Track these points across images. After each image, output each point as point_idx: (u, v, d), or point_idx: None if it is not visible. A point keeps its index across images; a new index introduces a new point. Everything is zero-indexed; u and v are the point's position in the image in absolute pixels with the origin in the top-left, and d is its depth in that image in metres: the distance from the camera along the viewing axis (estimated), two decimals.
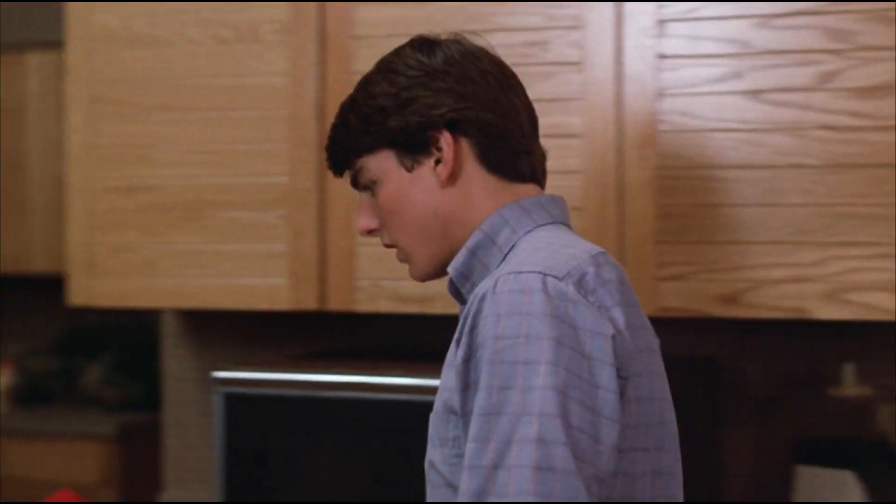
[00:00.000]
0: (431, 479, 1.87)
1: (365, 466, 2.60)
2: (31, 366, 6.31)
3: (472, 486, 1.70)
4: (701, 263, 2.59)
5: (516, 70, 2.68)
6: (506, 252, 1.90)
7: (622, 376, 1.76)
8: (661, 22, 2.61)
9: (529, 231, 1.91)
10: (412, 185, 1.92)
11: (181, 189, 2.90)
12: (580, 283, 1.77)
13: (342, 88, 2.77)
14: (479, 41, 2.03)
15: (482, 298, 1.76)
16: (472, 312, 1.77)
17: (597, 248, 1.87)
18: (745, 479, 2.91)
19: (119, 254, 2.96)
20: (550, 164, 2.66)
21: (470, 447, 1.71)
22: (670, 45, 2.61)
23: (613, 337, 1.75)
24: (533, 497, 1.66)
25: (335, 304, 2.80)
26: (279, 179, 2.82)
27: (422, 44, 1.95)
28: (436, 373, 2.56)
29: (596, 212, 2.64)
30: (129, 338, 6.02)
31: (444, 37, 1.97)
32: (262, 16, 2.85)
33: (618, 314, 1.78)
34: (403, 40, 2.73)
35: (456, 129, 1.90)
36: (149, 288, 2.94)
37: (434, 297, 2.73)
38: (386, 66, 1.94)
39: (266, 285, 2.84)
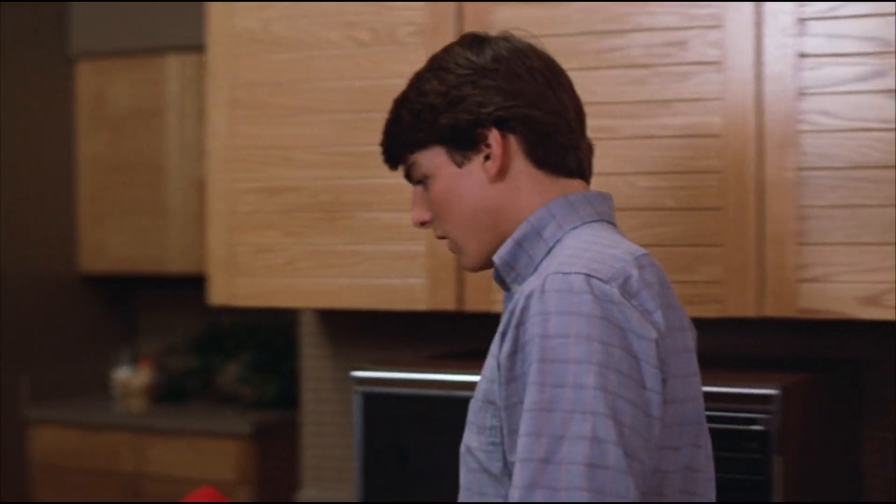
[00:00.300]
0: (467, 462, 1.92)
1: None
2: (170, 364, 6.41)
3: (523, 478, 1.74)
4: (842, 265, 2.56)
5: (655, 70, 2.67)
6: (551, 245, 1.95)
7: (662, 378, 1.82)
8: (802, 20, 2.58)
9: (575, 227, 1.96)
10: (462, 180, 1.98)
11: (320, 190, 2.93)
12: (625, 286, 1.82)
13: None
14: (528, 38, 2.05)
15: (529, 295, 1.81)
16: (518, 308, 1.82)
17: (640, 250, 1.91)
18: (887, 481, 2.87)
19: (259, 254, 2.99)
20: (690, 164, 2.65)
21: (522, 441, 1.76)
22: (810, 44, 2.58)
23: (656, 340, 1.81)
24: (586, 493, 1.71)
25: (472, 304, 2.81)
26: None
27: (472, 41, 2.00)
28: None
29: (735, 212, 2.62)
30: (266, 337, 6.08)
31: (493, 34, 2.02)
32: (400, 18, 2.87)
33: (658, 317, 1.84)
34: (544, 41, 2.73)
35: (504, 126, 1.95)
36: (288, 288, 2.97)
37: None
38: (437, 64, 2.00)
39: (404, 285, 2.86)
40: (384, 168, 2.87)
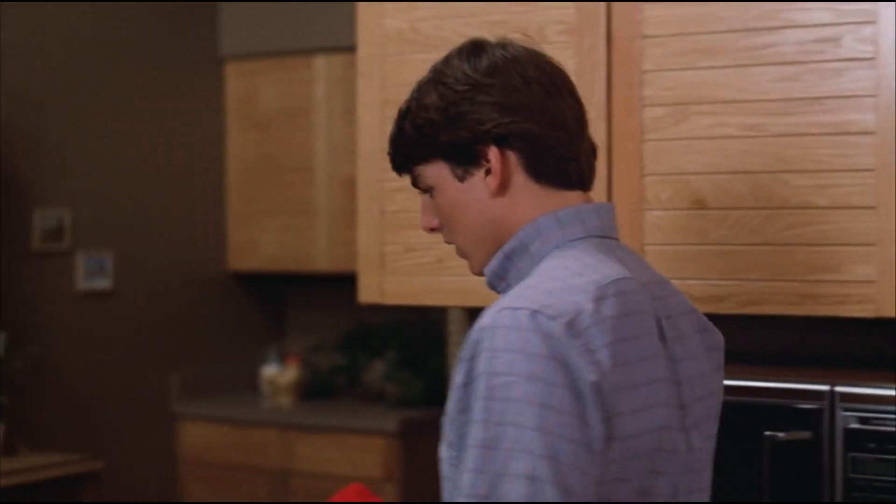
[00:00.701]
0: (442, 469, 1.97)
1: None
2: (317, 362, 6.48)
3: None
4: None
5: (807, 67, 2.64)
6: (537, 261, 2.00)
7: (605, 417, 1.84)
8: None
9: (559, 247, 2.00)
10: (465, 194, 2.03)
11: None
12: (572, 323, 1.84)
13: (629, 89, 2.77)
14: (528, 44, 2.08)
15: (482, 329, 1.86)
16: (472, 341, 1.87)
17: (611, 276, 1.93)
18: None
19: (408, 253, 3.01)
20: (842, 163, 2.62)
21: (466, 476, 1.82)
22: None
23: (594, 382, 1.83)
24: None
25: None
26: None
27: (469, 52, 2.05)
28: (734, 374, 2.54)
29: (890, 211, 2.58)
30: (412, 335, 6.12)
31: (493, 41, 2.06)
32: (548, 17, 2.87)
33: (604, 355, 1.85)
34: (692, 40, 2.72)
35: (503, 142, 1.99)
36: (436, 286, 2.99)
37: (725, 297, 2.71)
38: (437, 76, 2.05)
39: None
40: None
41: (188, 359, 6.26)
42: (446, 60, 2.06)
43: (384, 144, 3.03)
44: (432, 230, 2.10)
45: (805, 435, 2.50)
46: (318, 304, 6.51)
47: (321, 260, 6.12)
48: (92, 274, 5.87)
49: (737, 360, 2.80)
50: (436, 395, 5.91)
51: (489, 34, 2.91)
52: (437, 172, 2.05)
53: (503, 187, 2.02)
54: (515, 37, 2.09)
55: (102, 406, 5.89)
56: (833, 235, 2.63)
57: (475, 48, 2.06)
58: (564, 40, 2.85)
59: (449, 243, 2.10)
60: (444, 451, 1.96)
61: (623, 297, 1.92)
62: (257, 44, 6.32)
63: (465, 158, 2.02)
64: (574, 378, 1.83)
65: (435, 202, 2.07)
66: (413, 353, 6.01)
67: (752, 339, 3.03)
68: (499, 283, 2.07)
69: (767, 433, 2.49)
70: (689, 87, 2.73)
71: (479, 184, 2.03)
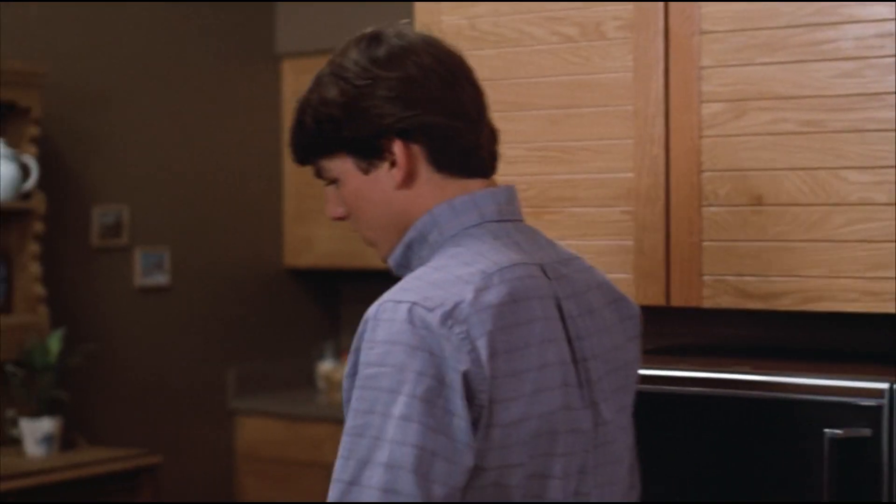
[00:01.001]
0: None
1: (710, 462, 2.59)
2: None
3: (332, 496, 1.90)
4: None
5: (867, 62, 2.62)
6: (436, 250, 2.06)
7: (479, 404, 1.90)
8: None
9: (454, 235, 2.06)
10: (370, 186, 2.08)
11: (527, 185, 2.94)
12: (450, 314, 1.91)
13: (687, 84, 2.77)
14: (423, 32, 2.14)
15: (366, 321, 1.96)
16: (358, 333, 1.96)
17: (501, 264, 1.99)
18: None
19: None
20: None
21: (337, 462, 1.91)
22: None
23: (466, 371, 1.89)
24: None
25: (679, 299, 2.80)
26: (624, 175, 2.84)
27: (367, 44, 2.10)
28: (782, 370, 2.54)
29: None
30: None
31: (389, 31, 2.12)
32: (606, 13, 2.87)
33: (482, 344, 1.90)
34: (749, 35, 2.71)
35: (406, 136, 2.04)
36: None
37: (780, 294, 2.70)
38: (336, 70, 2.08)
39: (612, 280, 2.85)
40: (590, 163, 2.87)
41: (245, 355, 6.30)
42: (344, 52, 2.11)
43: None
44: (338, 219, 2.15)
45: (865, 432, 2.49)
46: (373, 300, 6.52)
47: (376, 256, 6.13)
48: (149, 270, 5.91)
49: (795, 357, 2.79)
50: None
51: (547, 31, 2.92)
52: (341, 166, 2.09)
53: (409, 179, 2.06)
54: (408, 28, 2.16)
55: (160, 401, 5.93)
56: (892, 232, 2.62)
57: (372, 39, 2.11)
58: (622, 36, 2.85)
59: (356, 231, 2.15)
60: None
61: (510, 284, 1.96)
62: (314, 41, 6.34)
63: (370, 152, 2.07)
64: (442, 371, 1.89)
65: (340, 193, 2.12)
66: None
67: (810, 336, 3.02)
68: (404, 272, 2.10)
69: (826, 431, 2.48)
70: (748, 82, 2.72)
71: (384, 176, 2.07)
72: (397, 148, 2.05)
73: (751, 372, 2.55)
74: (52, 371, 5.10)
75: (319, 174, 2.13)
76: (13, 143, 5.24)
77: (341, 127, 2.07)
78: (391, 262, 2.14)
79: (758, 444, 2.54)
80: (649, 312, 3.22)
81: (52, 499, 4.87)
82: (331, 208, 2.15)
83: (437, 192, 2.08)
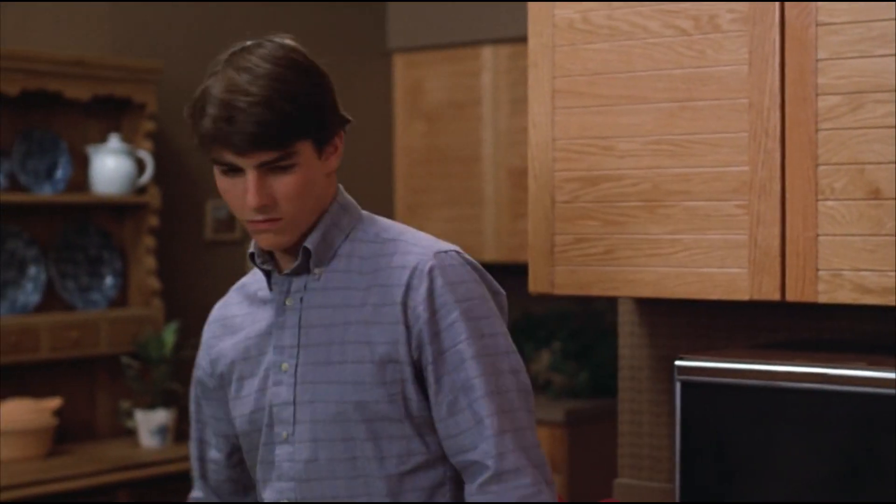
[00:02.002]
0: (358, 415, 2.33)
1: (824, 460, 2.57)
2: None
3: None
4: None
5: None
6: (347, 232, 2.42)
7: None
8: None
9: (360, 217, 2.46)
10: (319, 171, 2.36)
11: (640, 179, 2.94)
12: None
13: (803, 77, 2.74)
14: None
15: (429, 271, 2.32)
16: (415, 284, 2.31)
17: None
18: None
19: (578, 243, 3.02)
20: None
21: (478, 381, 2.29)
22: None
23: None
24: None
25: (794, 294, 2.77)
26: (739, 169, 2.81)
27: (291, 48, 2.37)
28: None
29: None
30: (578, 326, 6.11)
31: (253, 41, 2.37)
32: (721, 5, 2.85)
33: None
34: (867, 27, 2.67)
35: (343, 129, 2.42)
36: (607, 277, 2.99)
37: None
38: (295, 64, 2.33)
39: (725, 275, 2.84)
40: (704, 157, 2.85)
41: None
42: (294, 51, 2.36)
43: (555, 134, 3.05)
44: (259, 207, 2.29)
45: None
46: None
47: (488, 250, 6.14)
48: None
49: None
50: (602, 385, 5.90)
51: (661, 24, 2.90)
52: (306, 150, 2.32)
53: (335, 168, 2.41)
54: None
55: None
56: None
57: (288, 44, 2.38)
58: (737, 29, 2.82)
59: (269, 220, 2.31)
60: (368, 394, 2.33)
61: None
62: (424, 36, 6.36)
63: (326, 140, 2.36)
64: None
65: (287, 177, 2.30)
66: (579, 344, 6.01)
67: None
68: (326, 252, 2.39)
69: None
70: (865, 75, 2.69)
71: (325, 164, 2.38)
72: (339, 139, 2.41)
73: (867, 368, 2.52)
74: (166, 363, 5.17)
75: (280, 158, 2.29)
76: (129, 139, 5.32)
77: (320, 115, 2.34)
78: (310, 244, 2.37)
79: (874, 441, 2.51)
80: (764, 307, 3.20)
81: (166, 490, 4.94)
82: (260, 197, 2.29)
83: (334, 181, 2.45)
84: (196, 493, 2.65)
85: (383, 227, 2.44)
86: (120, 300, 5.41)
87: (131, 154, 5.23)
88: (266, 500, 2.42)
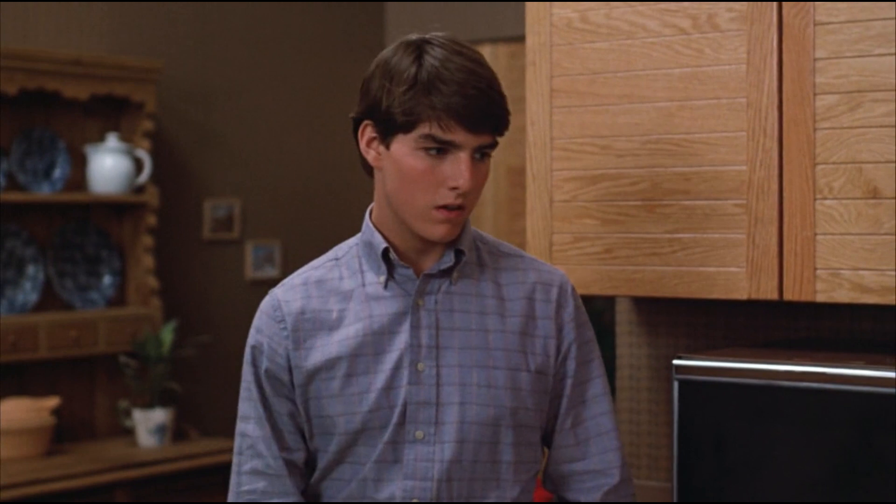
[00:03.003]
0: (513, 420, 2.45)
1: (822, 459, 2.57)
2: None
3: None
4: None
5: None
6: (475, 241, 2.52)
7: None
8: None
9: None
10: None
11: (639, 178, 2.94)
12: None
13: (801, 76, 2.74)
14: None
15: (572, 291, 2.55)
16: (563, 302, 2.51)
17: None
18: None
19: (577, 242, 3.02)
20: None
21: (602, 398, 2.55)
22: None
23: None
24: None
25: (792, 294, 2.77)
26: (738, 168, 2.82)
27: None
28: None
29: None
30: None
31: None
32: (719, 5, 2.85)
33: None
34: (865, 26, 2.68)
35: None
36: (606, 275, 2.99)
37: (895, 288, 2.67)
38: (482, 58, 2.40)
39: (724, 274, 2.84)
40: (703, 156, 2.86)
41: None
42: (470, 47, 2.41)
43: (553, 133, 3.05)
44: (469, 190, 2.33)
45: None
46: None
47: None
48: (260, 262, 5.97)
49: None
50: None
51: (660, 23, 2.91)
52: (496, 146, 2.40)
53: None
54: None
55: None
56: None
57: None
58: (736, 28, 2.83)
59: (457, 207, 2.35)
60: (524, 401, 2.44)
61: None
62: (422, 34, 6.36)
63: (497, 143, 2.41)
64: None
65: (480, 168, 2.36)
66: None
67: None
68: (469, 258, 2.46)
69: None
70: (863, 74, 2.69)
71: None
72: None
73: (865, 367, 2.52)
74: (164, 362, 5.16)
75: (488, 144, 2.37)
76: (127, 138, 5.32)
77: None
78: (465, 247, 2.42)
79: (872, 440, 2.51)
80: (763, 307, 3.20)
81: (164, 489, 4.94)
82: (471, 179, 2.33)
83: None
84: (275, 497, 2.48)
85: (494, 241, 2.54)
86: (118, 299, 5.41)
87: (130, 153, 5.23)
88: (382, 500, 2.39)
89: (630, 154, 2.95)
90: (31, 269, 5.13)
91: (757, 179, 2.79)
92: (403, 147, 2.33)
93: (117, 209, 5.41)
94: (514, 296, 2.46)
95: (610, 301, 5.73)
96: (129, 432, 5.28)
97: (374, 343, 2.40)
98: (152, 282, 5.35)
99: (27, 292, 5.11)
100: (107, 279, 5.36)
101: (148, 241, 5.35)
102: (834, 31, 2.72)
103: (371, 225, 2.46)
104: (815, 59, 2.74)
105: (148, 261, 5.35)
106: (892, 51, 2.66)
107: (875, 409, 2.50)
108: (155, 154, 5.42)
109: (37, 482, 4.59)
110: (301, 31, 6.13)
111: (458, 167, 2.31)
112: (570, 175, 3.03)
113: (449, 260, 2.40)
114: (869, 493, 2.51)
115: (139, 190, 5.31)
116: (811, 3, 2.73)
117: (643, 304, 3.38)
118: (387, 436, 2.38)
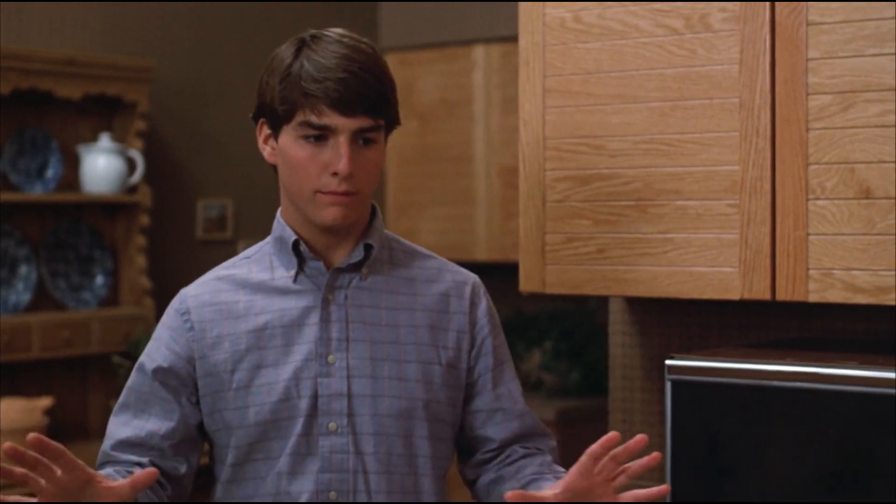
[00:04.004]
0: (425, 414, 2.47)
1: (815, 459, 2.57)
2: None
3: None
4: None
5: None
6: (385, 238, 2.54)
7: None
8: None
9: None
10: (383, 158, 2.42)
11: (632, 178, 2.94)
12: None
13: (793, 76, 2.74)
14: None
15: (484, 292, 2.61)
16: (477, 301, 2.57)
17: None
18: None
19: (569, 242, 3.02)
20: None
21: (517, 395, 2.56)
22: None
23: None
24: None
25: (785, 294, 2.77)
26: (730, 168, 2.82)
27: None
28: (890, 365, 2.51)
29: None
30: (569, 325, 6.11)
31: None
32: (711, 5, 2.85)
33: None
34: (858, 27, 2.68)
35: None
36: (598, 275, 2.99)
37: (887, 288, 2.67)
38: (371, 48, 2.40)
39: (717, 274, 2.84)
40: (695, 156, 2.86)
41: None
42: (364, 41, 2.42)
43: (546, 133, 3.05)
44: (350, 174, 2.34)
45: None
46: None
47: (480, 249, 6.14)
48: None
49: None
50: (593, 384, 5.90)
51: (653, 23, 2.91)
52: (382, 132, 2.41)
53: None
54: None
55: None
56: None
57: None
58: (729, 28, 2.83)
59: (347, 193, 2.36)
60: (437, 394, 2.46)
61: None
62: (416, 35, 6.36)
63: (390, 129, 2.43)
64: None
65: (366, 153, 2.37)
66: (570, 343, 6.01)
67: None
68: (378, 253, 2.50)
69: None
70: (855, 74, 2.69)
71: (383, 154, 2.43)
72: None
73: (858, 367, 2.52)
74: None
75: (370, 128, 2.36)
76: (120, 138, 5.31)
77: (396, 101, 2.42)
78: (374, 242, 2.45)
79: (866, 440, 2.51)
80: (755, 307, 3.20)
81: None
82: (352, 163, 2.34)
83: None
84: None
85: (410, 244, 2.59)
86: (111, 299, 5.40)
87: (122, 153, 5.22)
88: (295, 492, 2.40)
89: (623, 154, 2.95)
90: (23, 269, 5.12)
91: (749, 179, 2.79)
92: (288, 138, 2.40)
93: (110, 209, 5.40)
94: (427, 292, 2.50)
95: (602, 301, 5.73)
96: None
97: (283, 335, 2.43)
98: (145, 282, 5.34)
99: (20, 292, 5.10)
100: (100, 279, 5.35)
101: (141, 241, 5.34)
102: (827, 32, 2.72)
103: (282, 221, 2.50)
104: (807, 60, 2.74)
105: (141, 261, 5.34)
106: (885, 51, 2.66)
107: (868, 409, 2.50)
108: (148, 154, 5.42)
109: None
110: (294, 32, 6.12)
111: (337, 152, 2.35)
112: (563, 175, 3.03)
113: (359, 254, 2.44)
114: (862, 493, 2.52)
115: (132, 190, 5.30)
116: (804, 3, 2.74)
117: (636, 304, 3.38)
118: (299, 427, 2.40)
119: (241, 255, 2.58)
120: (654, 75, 2.92)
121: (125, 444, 2.46)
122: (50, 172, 5.16)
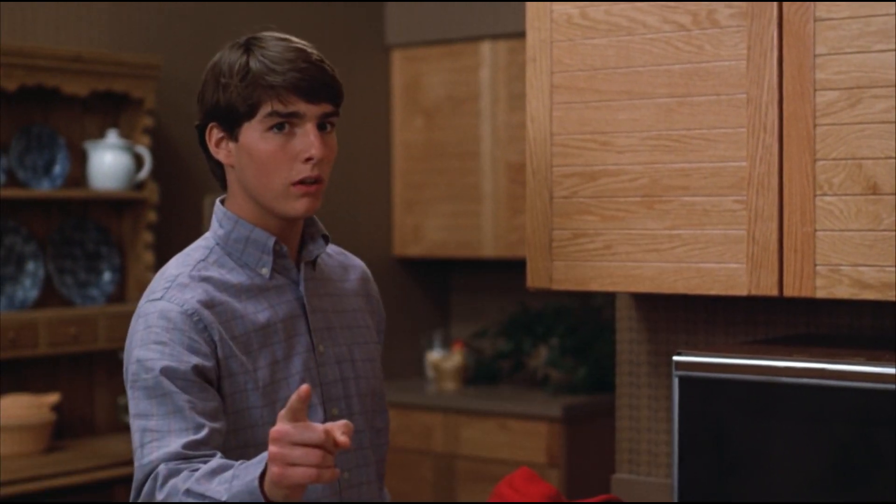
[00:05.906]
0: (380, 421, 2.70)
1: (822, 455, 2.57)
2: (481, 347, 6.50)
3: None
4: None
5: None
6: None
7: None
8: None
9: None
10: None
11: (639, 174, 2.94)
12: None
13: (801, 72, 2.74)
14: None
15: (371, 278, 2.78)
16: (373, 288, 2.76)
17: None
18: None
19: (577, 238, 3.02)
20: None
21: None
22: None
23: None
24: None
25: (792, 290, 2.77)
26: (738, 164, 2.82)
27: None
28: None
29: None
30: (576, 321, 6.11)
31: None
32: (719, 1, 2.85)
33: None
34: (865, 23, 2.68)
35: None
36: (605, 272, 2.99)
37: (895, 284, 2.67)
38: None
39: (724, 270, 2.84)
40: (703, 152, 2.85)
41: None
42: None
43: (553, 129, 3.04)
44: (321, 158, 2.43)
45: None
46: (482, 290, 6.54)
47: (486, 245, 6.14)
48: None
49: None
50: (600, 380, 5.90)
51: (660, 19, 2.90)
52: (337, 117, 2.50)
53: None
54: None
55: None
56: None
57: None
58: (736, 24, 2.83)
59: (315, 180, 2.44)
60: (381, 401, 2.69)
61: None
62: (422, 32, 6.36)
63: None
64: None
65: (328, 140, 2.46)
66: (576, 340, 6.01)
67: None
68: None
69: None
70: (863, 70, 2.69)
71: None
72: None
73: (865, 363, 2.52)
74: None
75: (329, 115, 2.46)
76: (127, 134, 5.31)
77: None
78: (327, 232, 2.57)
79: (873, 437, 2.51)
80: (762, 303, 3.20)
81: None
82: (322, 148, 2.43)
83: None
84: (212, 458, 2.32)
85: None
86: (118, 296, 5.40)
87: (129, 149, 5.23)
88: None
89: (630, 150, 2.95)
90: (30, 266, 5.12)
91: (757, 175, 2.79)
92: (252, 133, 2.44)
93: (117, 205, 5.41)
94: (349, 277, 2.69)
95: (609, 297, 5.73)
96: (128, 428, 5.27)
97: (283, 330, 2.50)
98: (152, 278, 5.35)
99: (27, 289, 5.11)
100: (107, 275, 5.36)
101: (148, 237, 5.35)
102: (834, 28, 2.72)
103: (235, 218, 2.50)
104: (815, 56, 2.73)
105: (148, 257, 5.35)
106: (892, 47, 2.66)
107: (875, 405, 2.50)
108: (155, 150, 5.42)
109: (36, 478, 4.58)
110: (300, 31, 6.12)
111: (307, 138, 2.43)
112: (570, 171, 3.03)
113: (322, 246, 2.56)
114: (869, 490, 2.52)
115: (139, 186, 5.31)
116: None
117: (642, 300, 3.38)
118: (320, 416, 2.50)
119: (190, 261, 2.50)
120: (662, 71, 2.92)
121: (193, 445, 2.32)
122: (57, 169, 5.17)
